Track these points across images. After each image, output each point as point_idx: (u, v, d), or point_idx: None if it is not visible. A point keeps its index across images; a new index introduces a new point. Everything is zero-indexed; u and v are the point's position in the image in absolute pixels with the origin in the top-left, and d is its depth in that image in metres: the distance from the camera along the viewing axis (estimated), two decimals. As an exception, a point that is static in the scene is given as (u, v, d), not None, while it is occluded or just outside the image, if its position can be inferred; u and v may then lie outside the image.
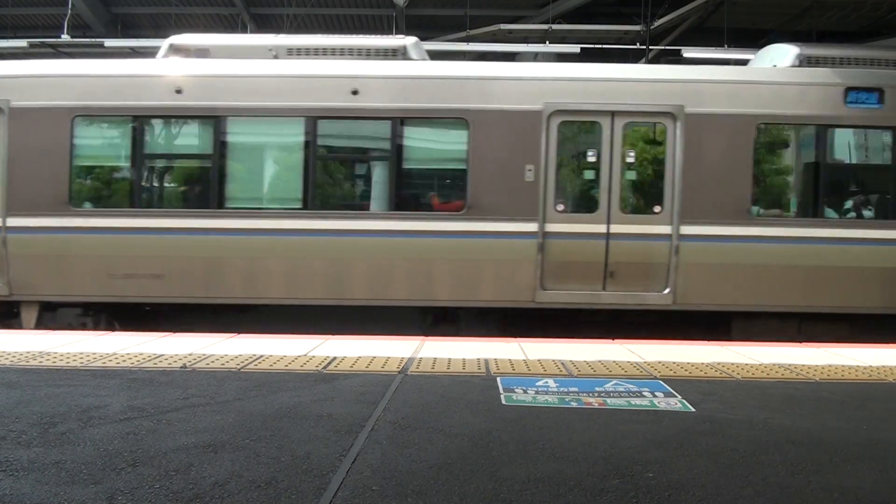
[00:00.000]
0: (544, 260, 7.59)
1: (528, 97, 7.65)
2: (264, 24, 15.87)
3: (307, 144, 7.78)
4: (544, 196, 7.58)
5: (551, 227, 7.60)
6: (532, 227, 7.56)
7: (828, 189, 7.95)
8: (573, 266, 7.62)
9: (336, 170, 8.21)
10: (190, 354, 5.26)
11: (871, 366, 5.34)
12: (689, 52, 12.72)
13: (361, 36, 8.92)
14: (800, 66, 7.99)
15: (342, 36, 8.90)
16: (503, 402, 4.08)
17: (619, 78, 7.90)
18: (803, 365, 5.30)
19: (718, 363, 5.31)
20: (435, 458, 3.08)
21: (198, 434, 3.33)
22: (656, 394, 4.32)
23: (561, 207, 7.68)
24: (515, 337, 6.77)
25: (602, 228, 7.61)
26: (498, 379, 4.64)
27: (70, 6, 13.54)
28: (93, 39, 14.26)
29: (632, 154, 7.71)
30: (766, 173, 8.08)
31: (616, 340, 6.49)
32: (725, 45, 13.11)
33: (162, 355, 5.20)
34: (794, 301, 7.75)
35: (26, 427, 3.39)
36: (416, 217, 7.74)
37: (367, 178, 8.28)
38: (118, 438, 3.24)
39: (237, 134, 7.92)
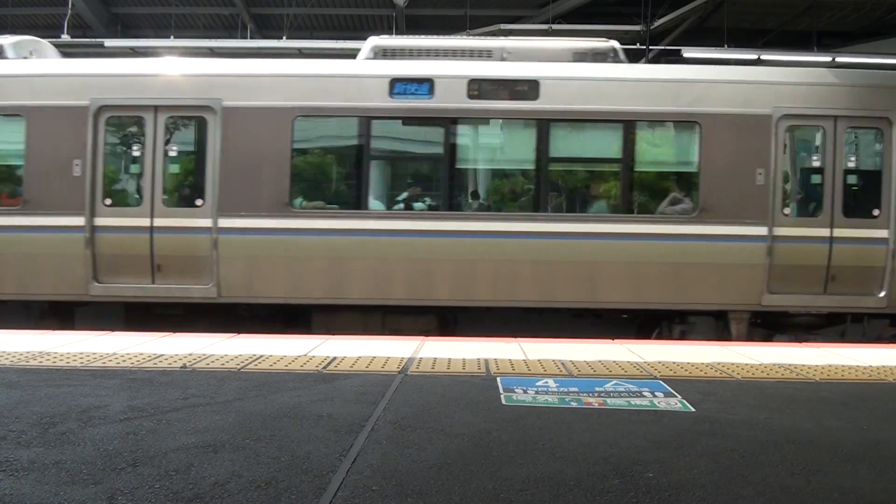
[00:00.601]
0: (95, 253, 7.67)
1: (84, 93, 7.72)
2: (264, 25, 15.89)
3: None
4: (92, 191, 7.68)
5: (100, 222, 7.69)
6: (79, 221, 7.65)
7: (373, 180, 7.90)
8: (123, 259, 7.71)
9: None
10: (190, 354, 5.27)
11: (871, 366, 5.34)
12: (689, 53, 12.67)
13: None
14: (374, 58, 8.03)
15: None
16: (503, 402, 4.08)
17: (160, 73, 7.99)
18: (803, 365, 5.30)
19: (718, 363, 5.31)
20: (435, 458, 3.08)
21: (198, 434, 3.33)
22: (656, 394, 4.32)
23: (109, 202, 7.75)
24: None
25: (146, 222, 7.69)
26: (498, 379, 4.64)
27: (70, 6, 13.55)
28: (93, 39, 14.29)
29: (174, 148, 7.82)
30: (305, 166, 8.04)
31: (616, 340, 6.49)
32: (725, 45, 13.11)
33: (162, 355, 5.21)
34: (369, 294, 7.67)
35: (26, 427, 3.39)
36: None
37: None
38: (118, 438, 3.25)
39: None
